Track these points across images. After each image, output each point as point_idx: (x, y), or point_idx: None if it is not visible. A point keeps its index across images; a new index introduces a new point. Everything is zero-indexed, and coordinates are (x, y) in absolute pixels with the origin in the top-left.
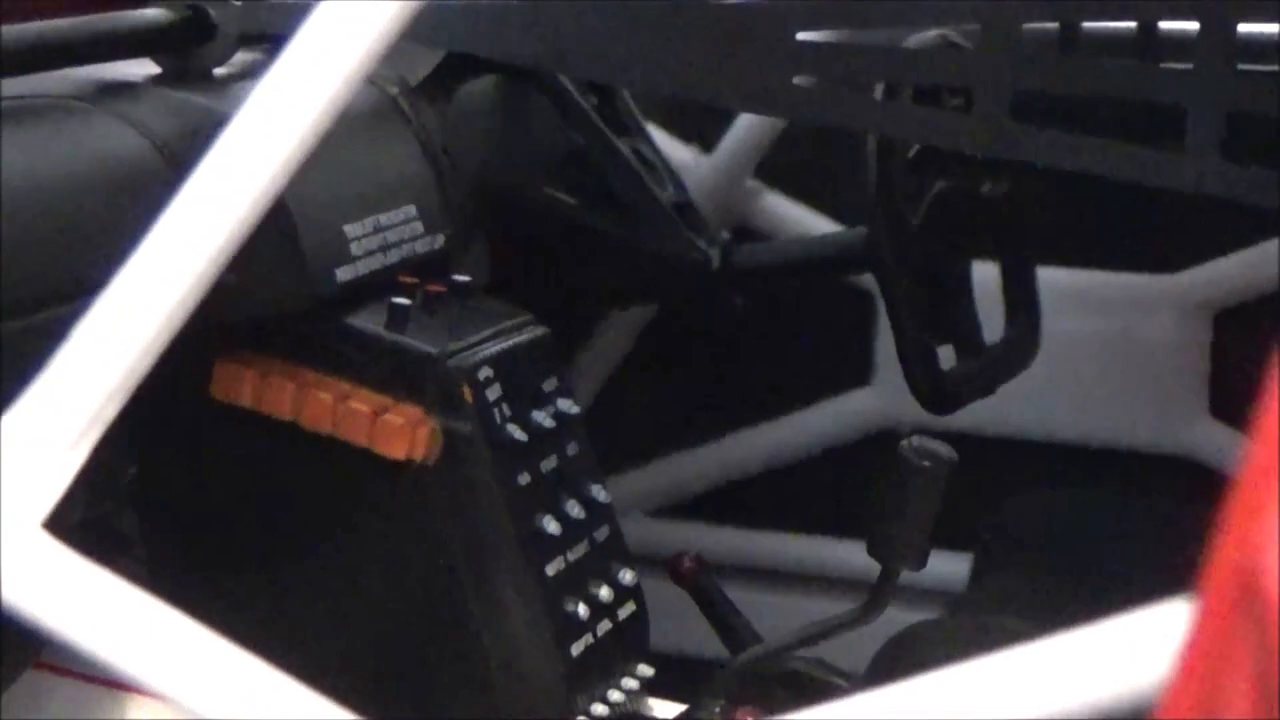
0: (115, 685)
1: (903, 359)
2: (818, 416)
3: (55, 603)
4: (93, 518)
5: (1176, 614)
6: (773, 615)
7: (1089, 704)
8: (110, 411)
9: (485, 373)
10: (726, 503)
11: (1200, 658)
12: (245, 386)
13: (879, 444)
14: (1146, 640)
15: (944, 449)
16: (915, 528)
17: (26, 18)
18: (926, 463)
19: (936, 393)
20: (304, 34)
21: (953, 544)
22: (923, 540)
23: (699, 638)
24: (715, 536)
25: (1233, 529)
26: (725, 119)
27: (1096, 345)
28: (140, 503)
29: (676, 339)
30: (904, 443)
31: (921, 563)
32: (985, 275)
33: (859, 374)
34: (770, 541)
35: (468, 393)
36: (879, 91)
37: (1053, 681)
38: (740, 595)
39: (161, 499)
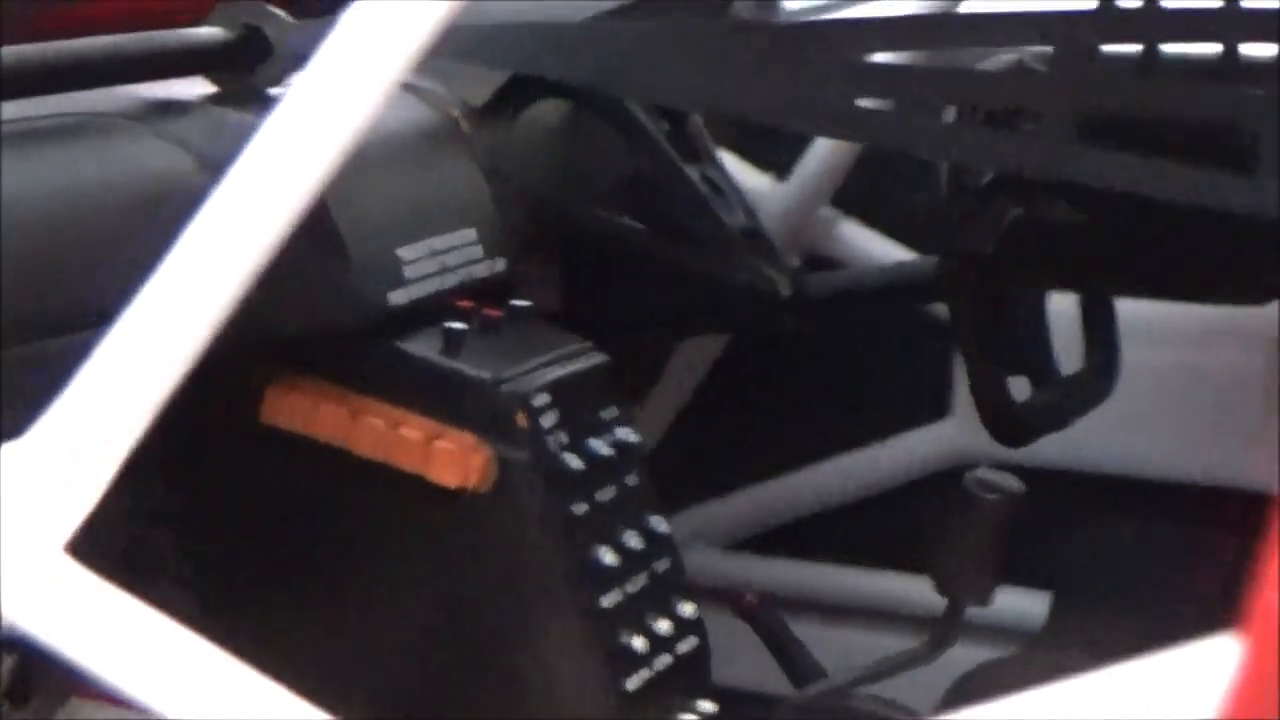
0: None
1: (974, 389)
2: (894, 450)
3: (78, 629)
4: (129, 544)
5: (1227, 648)
6: (841, 652)
7: None
8: (134, 432)
9: (541, 399)
10: (800, 537)
11: (1249, 691)
12: (296, 411)
13: (958, 479)
14: (1196, 674)
15: (1011, 482)
16: (980, 561)
17: (82, 34)
18: (992, 495)
19: (1008, 424)
20: (335, 38)
21: (1030, 581)
22: (988, 574)
23: (764, 674)
24: (787, 571)
25: (1274, 563)
26: (800, 145)
27: (1176, 378)
28: (186, 528)
29: (749, 370)
30: (969, 475)
31: (987, 597)
32: (1064, 305)
33: (937, 406)
34: (842, 576)
35: (523, 420)
36: (950, 115)
37: (1102, 715)
38: (811, 631)
39: (209, 524)
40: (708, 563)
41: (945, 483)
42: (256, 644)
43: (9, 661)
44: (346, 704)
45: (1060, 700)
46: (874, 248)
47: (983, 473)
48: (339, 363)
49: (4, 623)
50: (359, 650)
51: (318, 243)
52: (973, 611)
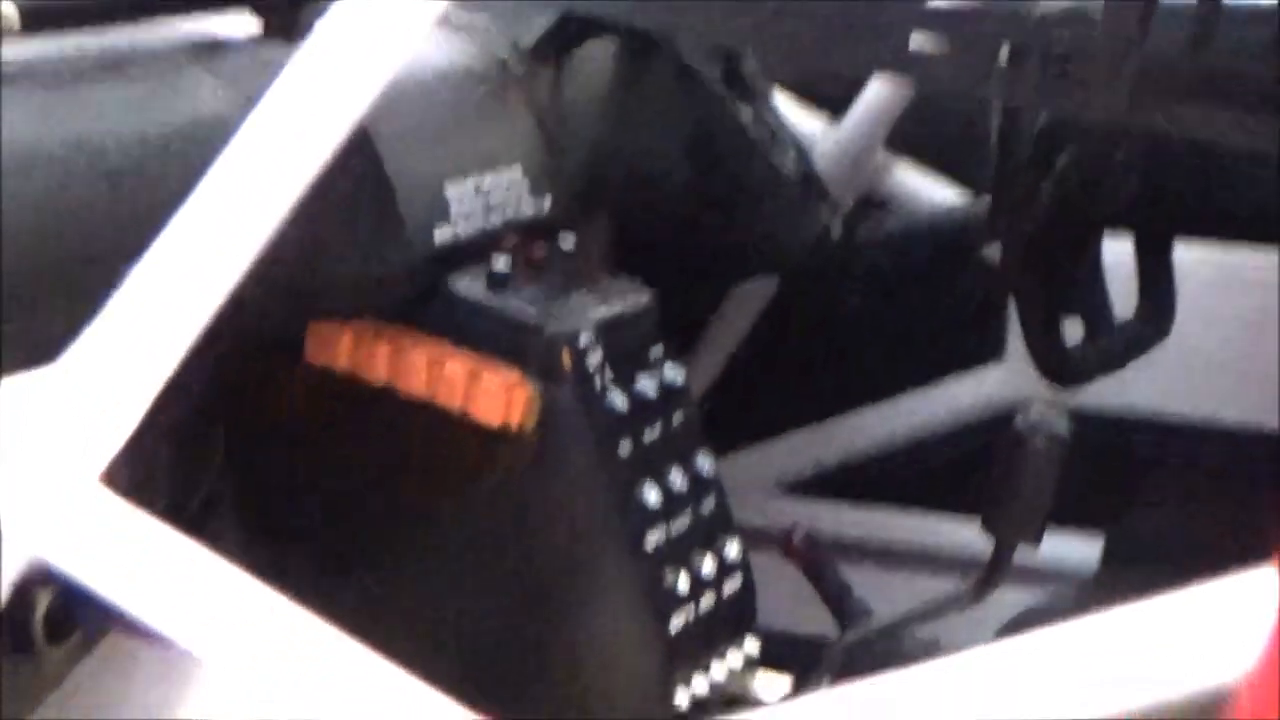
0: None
1: (1026, 332)
2: (946, 393)
3: (114, 562)
4: (189, 513)
5: (1267, 579)
6: (890, 596)
7: (1174, 675)
8: (169, 362)
9: (586, 339)
10: (851, 480)
11: None
12: (340, 349)
13: (1011, 423)
14: (1238, 605)
15: (1061, 422)
16: (1030, 502)
17: None
18: (1041, 436)
19: (1060, 367)
20: None
21: (1083, 525)
22: (1038, 515)
23: (812, 617)
24: (837, 514)
25: None
26: (855, 87)
27: (1232, 323)
28: (232, 466)
29: (800, 314)
30: (1019, 416)
31: (1037, 538)
32: (1120, 249)
33: (990, 350)
34: (892, 520)
35: (567, 358)
36: (1004, 57)
37: (1143, 647)
38: (860, 575)
39: (253, 462)
40: (756, 506)
41: (998, 427)
42: (301, 584)
43: (45, 597)
44: (390, 641)
45: (1104, 628)
46: (928, 190)
47: (1033, 414)
48: (384, 300)
49: (38, 557)
50: (400, 587)
51: (363, 181)
52: (1024, 556)
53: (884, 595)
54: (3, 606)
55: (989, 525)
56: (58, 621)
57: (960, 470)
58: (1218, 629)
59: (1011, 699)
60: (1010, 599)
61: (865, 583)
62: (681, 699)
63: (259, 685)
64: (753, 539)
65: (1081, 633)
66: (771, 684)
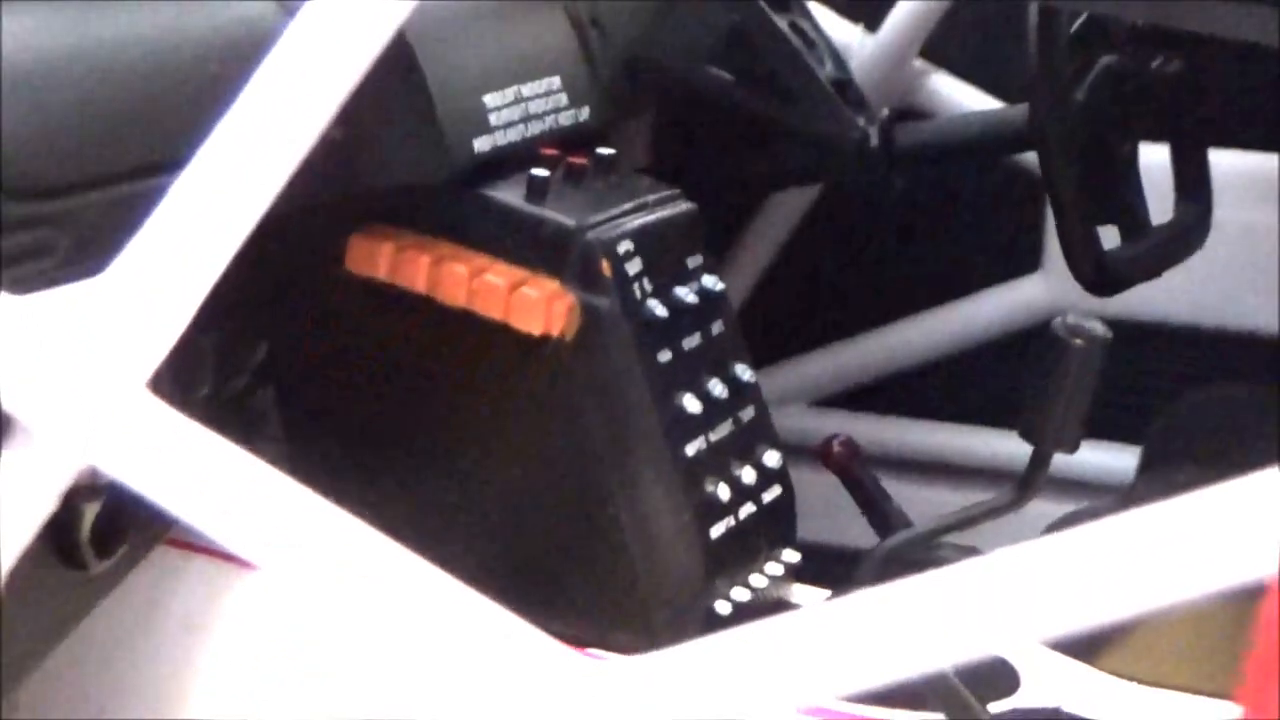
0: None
1: (1063, 240)
2: (984, 305)
3: (164, 470)
4: (228, 396)
5: None
6: (929, 507)
7: (1211, 570)
8: (212, 270)
9: (625, 246)
10: (888, 394)
11: None
12: (381, 259)
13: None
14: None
15: (1099, 327)
16: (1067, 408)
17: None
18: (1079, 340)
19: (1098, 275)
20: None
21: (1120, 436)
22: (1076, 422)
23: (852, 530)
24: (875, 427)
25: None
26: None
27: (1269, 231)
28: (275, 380)
29: (837, 224)
30: (1057, 320)
31: (1074, 445)
32: (1155, 156)
33: (1027, 260)
34: (931, 433)
35: (607, 266)
36: None
37: (1177, 543)
38: (899, 488)
39: (296, 375)
40: (795, 419)
41: (1035, 338)
42: (344, 490)
43: (92, 509)
44: (433, 551)
45: (1137, 525)
46: (964, 99)
47: (1071, 319)
48: (423, 210)
49: (86, 466)
50: (445, 498)
51: (403, 89)
52: (1061, 467)
53: (921, 509)
54: (51, 517)
55: (1026, 431)
56: (105, 534)
57: (997, 383)
58: (1250, 524)
59: (1048, 596)
60: (1045, 509)
61: (902, 497)
62: (722, 607)
63: (309, 590)
64: (788, 453)
65: (1113, 530)
66: (810, 597)
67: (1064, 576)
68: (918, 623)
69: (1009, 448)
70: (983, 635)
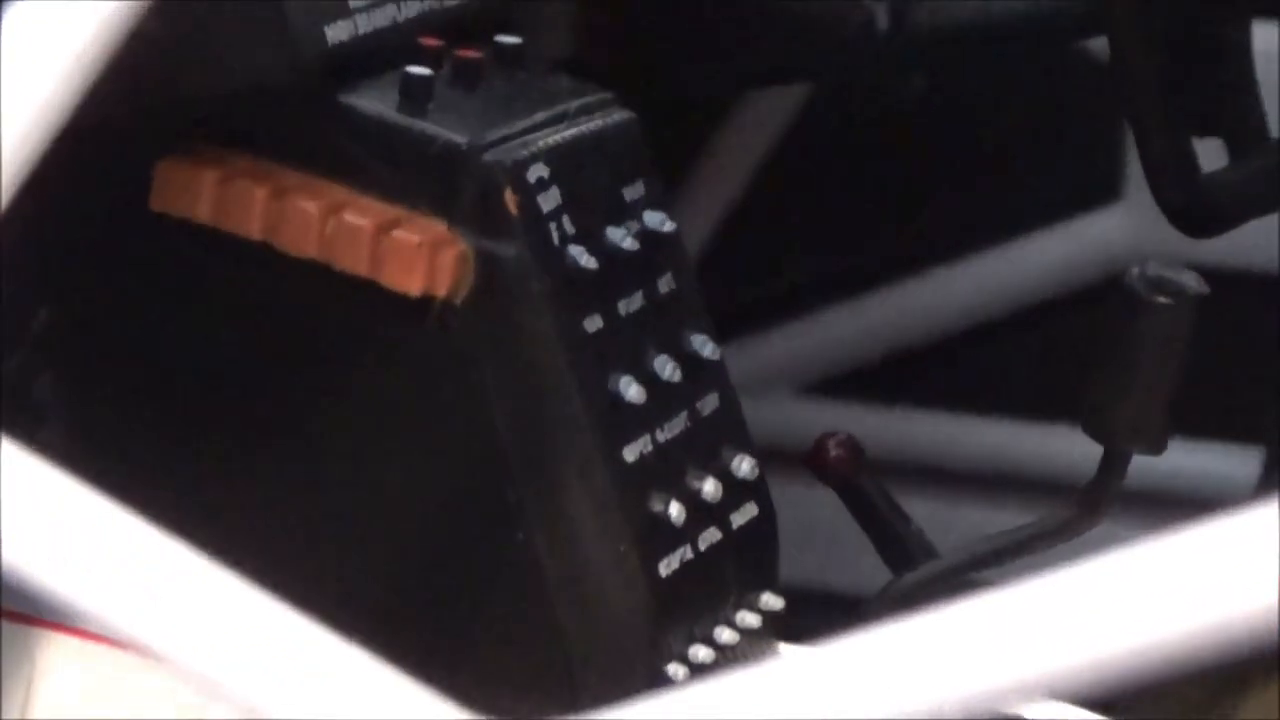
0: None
1: (1145, 160)
2: (1036, 252)
3: None
4: None
5: None
6: (964, 530)
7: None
8: None
9: (538, 172)
10: (905, 377)
11: None
12: (200, 194)
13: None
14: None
15: (1191, 279)
16: (1148, 391)
17: None
18: (1164, 298)
19: (1195, 208)
20: None
21: (1231, 434)
22: (1160, 409)
23: (858, 565)
24: (885, 421)
25: None
26: None
27: None
28: (59, 358)
29: (833, 141)
30: (1132, 270)
31: (1159, 443)
32: (1272, 41)
33: (1100, 190)
34: (961, 428)
35: (512, 200)
36: None
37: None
38: (918, 504)
39: (87, 353)
40: (777, 411)
41: (1108, 296)
42: (157, 512)
43: None
44: (289, 586)
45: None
46: None
47: (1153, 267)
48: (258, 126)
49: None
50: (296, 518)
51: None
52: (1145, 473)
53: (952, 534)
54: None
55: (1093, 426)
56: None
57: (1057, 360)
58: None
59: (1080, 641)
60: (1126, 532)
61: (924, 517)
62: (676, 670)
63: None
64: (768, 458)
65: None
66: (797, 655)
67: (1105, 617)
68: (916, 675)
69: (1072, 448)
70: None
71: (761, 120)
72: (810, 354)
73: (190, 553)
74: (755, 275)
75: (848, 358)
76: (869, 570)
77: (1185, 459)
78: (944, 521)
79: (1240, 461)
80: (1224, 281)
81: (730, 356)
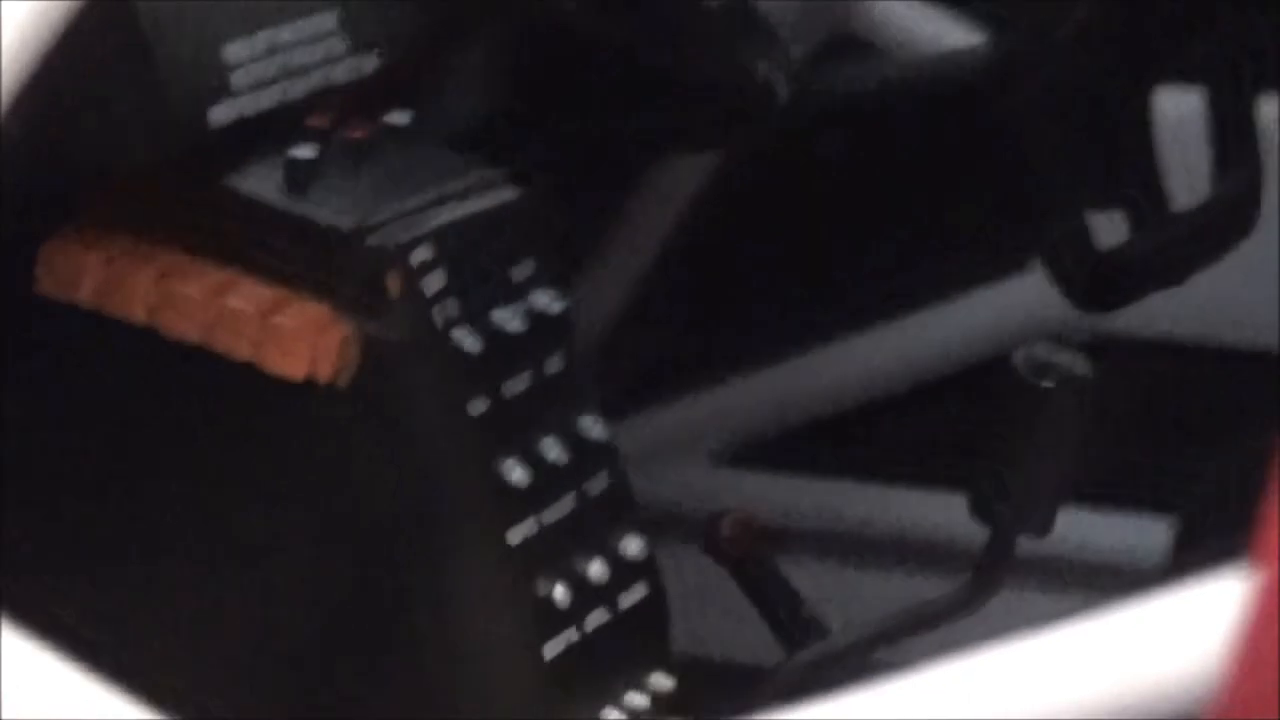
0: None
1: (1042, 235)
2: (939, 324)
3: None
4: None
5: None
6: (860, 605)
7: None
8: None
9: (423, 255)
10: (809, 446)
11: (1259, 634)
12: (84, 277)
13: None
14: (1205, 613)
15: (1076, 360)
16: (1033, 475)
17: None
18: (1048, 381)
19: (1093, 280)
20: None
21: (1147, 506)
22: (1047, 491)
23: (749, 640)
24: (791, 491)
25: None
26: None
27: None
28: None
29: (737, 211)
30: (1018, 353)
31: (1045, 526)
32: (1178, 107)
33: (1009, 257)
34: (869, 496)
35: (395, 284)
36: None
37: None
38: (817, 576)
39: None
40: (693, 480)
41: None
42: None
43: None
44: (178, 675)
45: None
46: (921, 27)
47: (1041, 348)
48: (143, 207)
49: None
50: (182, 610)
51: (110, 40)
52: (1052, 542)
53: (850, 606)
54: None
55: (979, 508)
56: None
57: (953, 431)
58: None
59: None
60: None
61: (824, 588)
62: None
63: None
64: (672, 530)
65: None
66: None
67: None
68: None
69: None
70: None
71: (674, 186)
72: (722, 422)
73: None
74: (668, 342)
75: (758, 427)
76: (762, 645)
77: (1092, 529)
78: (854, 588)
79: (1149, 530)
80: (1137, 349)
81: (643, 423)
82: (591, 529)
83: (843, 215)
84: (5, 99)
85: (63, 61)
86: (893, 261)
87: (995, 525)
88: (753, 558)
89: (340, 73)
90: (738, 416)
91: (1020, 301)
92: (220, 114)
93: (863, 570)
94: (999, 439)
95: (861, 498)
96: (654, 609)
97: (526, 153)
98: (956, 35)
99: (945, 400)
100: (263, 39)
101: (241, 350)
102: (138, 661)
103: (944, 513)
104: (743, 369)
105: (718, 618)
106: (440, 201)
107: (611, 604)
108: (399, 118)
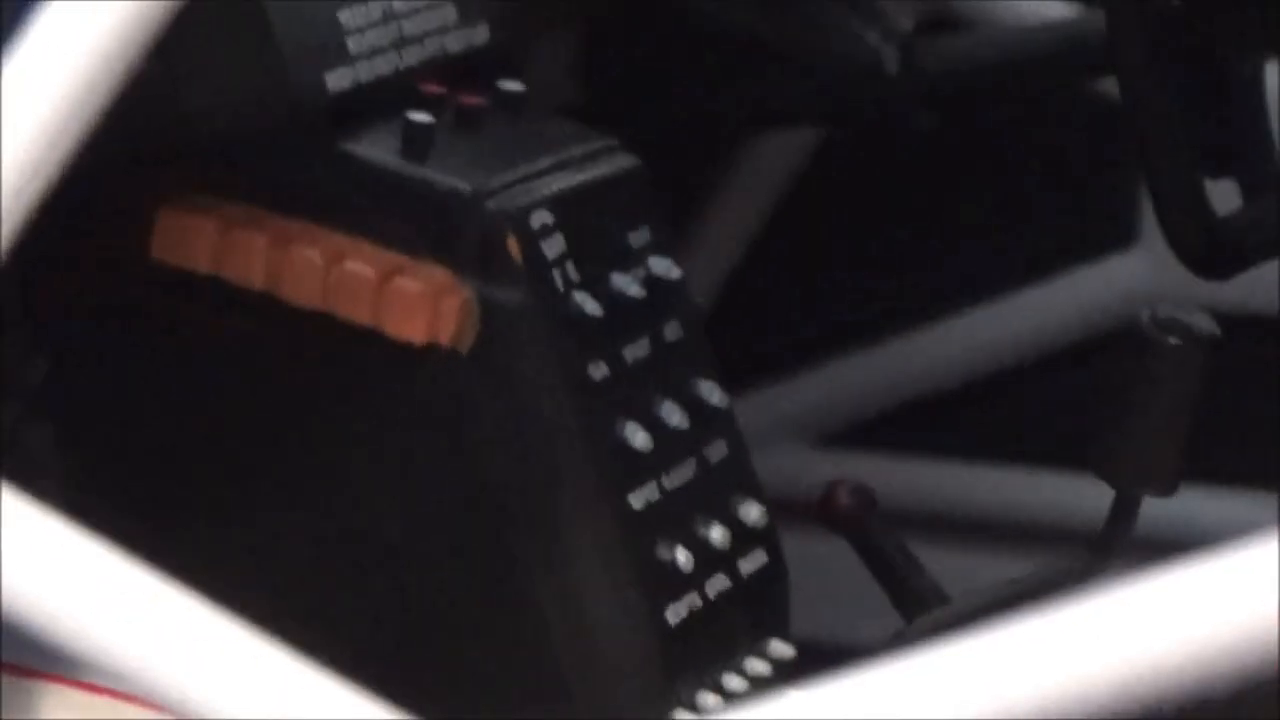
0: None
1: (1158, 202)
2: (1051, 299)
3: None
4: None
5: None
6: (972, 576)
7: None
8: None
9: (542, 218)
10: (916, 427)
11: None
12: (200, 244)
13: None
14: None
15: (1203, 321)
16: (1159, 433)
17: None
18: (1175, 340)
19: (1210, 250)
20: None
21: (1247, 481)
22: (1171, 452)
23: (864, 618)
24: (899, 471)
25: None
26: None
27: None
28: (57, 411)
29: (845, 186)
30: (1144, 313)
31: (1170, 485)
32: None
33: (1117, 233)
34: (973, 477)
35: (515, 247)
36: None
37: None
38: (935, 556)
39: (86, 406)
40: (790, 462)
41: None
42: (150, 551)
43: None
44: (290, 636)
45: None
46: (1017, 3)
47: (1164, 309)
48: (258, 174)
49: None
50: (298, 573)
51: (230, 11)
52: (1160, 517)
53: (965, 582)
54: None
55: (1103, 469)
56: None
57: (1073, 407)
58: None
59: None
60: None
61: (941, 568)
62: (684, 718)
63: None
64: (779, 508)
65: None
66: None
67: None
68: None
69: (1082, 495)
70: None
71: (772, 165)
72: (824, 404)
73: (193, 601)
74: (766, 324)
75: (862, 408)
76: (881, 627)
77: (1201, 506)
78: (958, 570)
79: (1257, 508)
80: (1241, 325)
81: (742, 408)
82: (712, 494)
83: (946, 191)
84: (129, 65)
85: (182, 27)
86: (998, 236)
87: (1119, 483)
88: (871, 527)
89: (453, 42)
90: (842, 397)
91: (1124, 276)
92: (337, 79)
93: (971, 552)
94: (1122, 399)
95: (969, 477)
96: (774, 576)
97: (635, 124)
98: (1055, 8)
99: (1055, 377)
100: (377, 7)
101: (361, 315)
102: (262, 629)
103: (1054, 492)
104: (844, 350)
105: (823, 600)
106: (558, 168)
107: (732, 570)
108: (512, 85)
